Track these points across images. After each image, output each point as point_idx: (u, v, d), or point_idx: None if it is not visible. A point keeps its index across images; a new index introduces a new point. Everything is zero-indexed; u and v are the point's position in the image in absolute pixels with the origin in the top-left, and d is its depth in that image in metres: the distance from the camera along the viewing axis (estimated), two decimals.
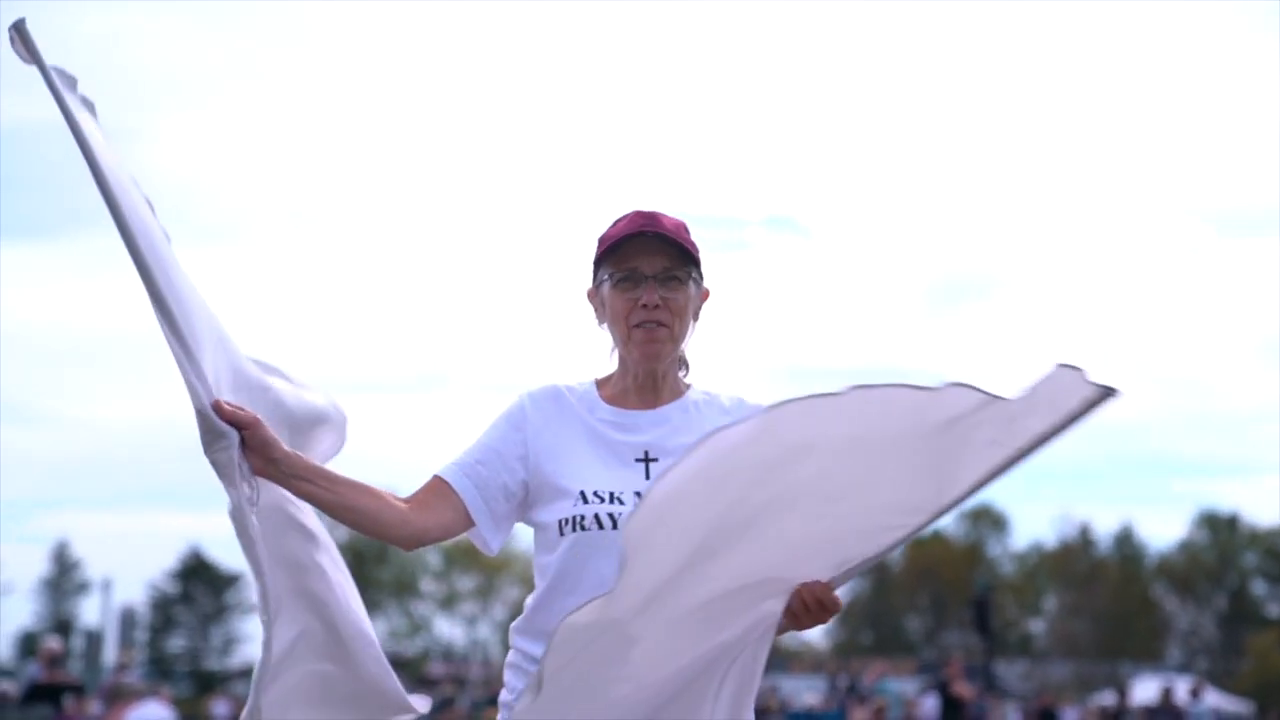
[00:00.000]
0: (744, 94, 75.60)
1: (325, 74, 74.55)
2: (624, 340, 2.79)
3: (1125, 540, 63.55)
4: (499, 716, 2.80)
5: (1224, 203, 79.60)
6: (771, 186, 79.61)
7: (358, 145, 75.84)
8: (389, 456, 78.02)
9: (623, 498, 2.71)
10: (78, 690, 14.04)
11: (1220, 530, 62.34)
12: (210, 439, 2.46)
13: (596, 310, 2.85)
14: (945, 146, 76.59)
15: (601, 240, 2.83)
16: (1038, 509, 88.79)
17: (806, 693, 20.50)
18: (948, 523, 66.27)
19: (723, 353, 74.09)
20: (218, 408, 2.47)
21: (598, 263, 2.82)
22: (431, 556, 63.28)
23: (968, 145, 76.63)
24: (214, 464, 2.48)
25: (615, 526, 2.67)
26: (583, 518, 2.70)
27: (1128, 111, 74.32)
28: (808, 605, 2.50)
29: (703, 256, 2.81)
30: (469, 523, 2.75)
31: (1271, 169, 68.52)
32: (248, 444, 2.51)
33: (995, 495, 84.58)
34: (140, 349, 76.66)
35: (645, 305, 2.74)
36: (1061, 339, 73.96)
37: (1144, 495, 79.96)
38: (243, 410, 2.51)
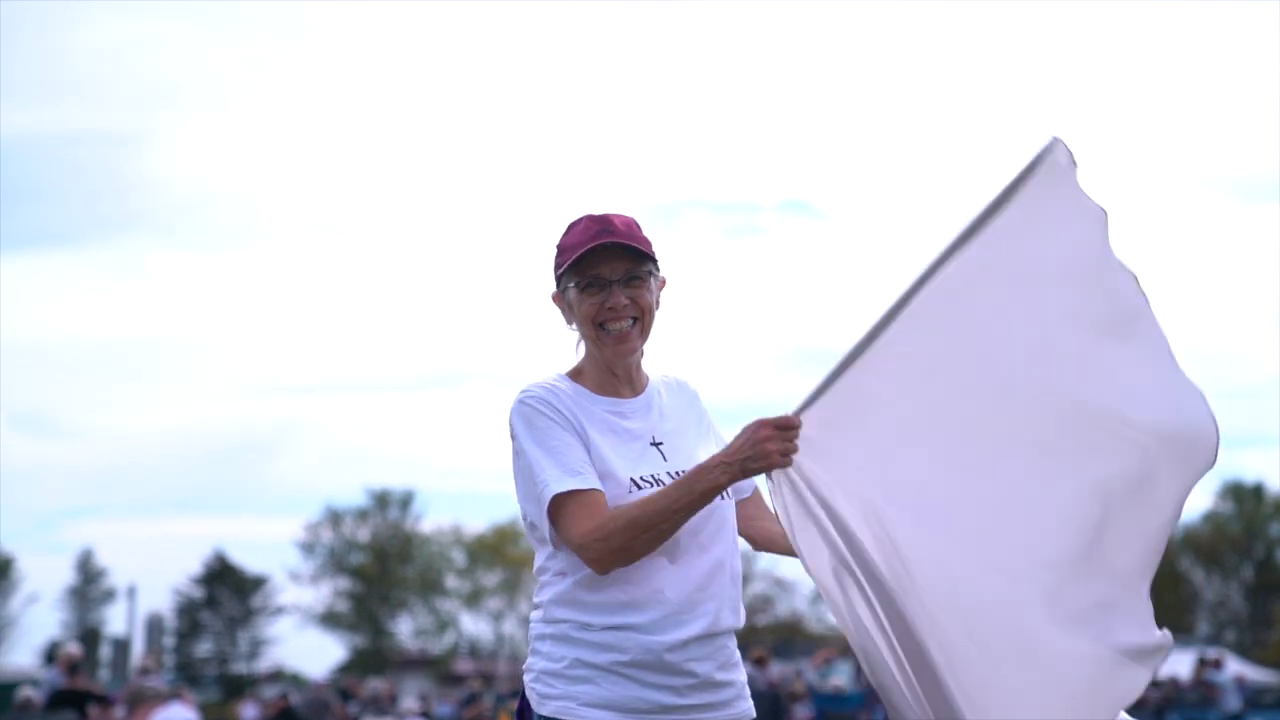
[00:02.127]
0: (758, 78, 75.49)
1: (340, 80, 74.66)
2: (594, 339, 3.03)
3: None
4: (531, 684, 2.94)
5: (1242, 170, 79.16)
6: (787, 170, 79.49)
7: (374, 149, 75.99)
8: (408, 452, 78.22)
9: (662, 480, 2.93)
10: (101, 699, 13.94)
11: (1246, 501, 61.98)
12: None
13: (564, 312, 3.08)
14: (960, 126, 76.37)
15: (563, 250, 3.05)
16: None
17: (833, 675, 20.38)
18: None
19: (740, 336, 74.21)
20: None
21: (560, 271, 3.04)
22: (456, 553, 63.26)
23: (983, 125, 76.37)
24: None
25: None
26: None
27: (1142, 83, 74.07)
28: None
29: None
30: None
31: None
32: None
33: None
34: (161, 356, 76.98)
35: (612, 308, 2.99)
36: None
37: None
38: None
